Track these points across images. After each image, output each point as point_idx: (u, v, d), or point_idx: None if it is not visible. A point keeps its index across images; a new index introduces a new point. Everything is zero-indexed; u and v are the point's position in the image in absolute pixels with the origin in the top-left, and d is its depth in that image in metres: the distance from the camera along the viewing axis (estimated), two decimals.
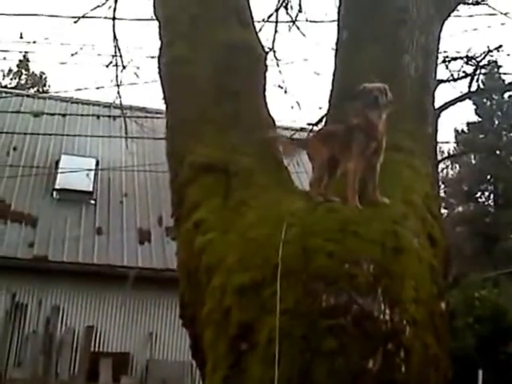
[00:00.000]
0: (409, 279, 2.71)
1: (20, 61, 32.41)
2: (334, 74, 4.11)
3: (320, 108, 5.44)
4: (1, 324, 12.14)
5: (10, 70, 36.33)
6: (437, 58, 4.27)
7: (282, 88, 8.50)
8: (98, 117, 15.39)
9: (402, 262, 2.73)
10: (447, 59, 7.58)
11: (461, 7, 5.94)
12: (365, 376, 2.35)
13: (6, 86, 33.77)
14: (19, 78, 37.00)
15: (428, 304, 2.77)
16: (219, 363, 2.57)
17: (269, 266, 2.65)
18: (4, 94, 18.70)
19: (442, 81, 7.09)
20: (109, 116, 13.09)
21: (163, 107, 4.01)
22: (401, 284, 2.67)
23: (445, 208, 32.99)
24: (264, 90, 3.86)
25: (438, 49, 4.27)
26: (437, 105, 4.34)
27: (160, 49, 4.06)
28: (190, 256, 3.18)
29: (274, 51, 8.02)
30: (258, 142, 3.47)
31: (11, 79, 36.73)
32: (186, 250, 3.26)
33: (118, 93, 9.27)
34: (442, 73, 7.73)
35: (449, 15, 4.50)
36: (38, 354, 11.82)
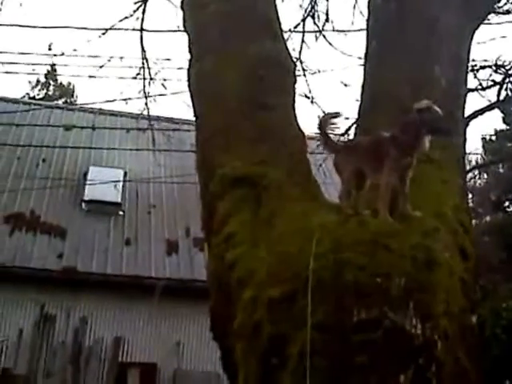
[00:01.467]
0: (440, 293, 2.71)
1: (48, 71, 32.84)
2: (363, 85, 4.11)
3: (347, 118, 5.42)
4: (30, 335, 12.28)
5: (38, 81, 36.82)
6: (467, 67, 4.25)
7: (308, 98, 8.50)
8: (128, 130, 15.56)
9: (433, 276, 2.72)
10: (476, 68, 7.54)
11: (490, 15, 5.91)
12: None
13: (34, 98, 34.23)
14: (47, 89, 37.46)
15: (459, 318, 2.77)
16: (250, 377, 2.58)
17: (300, 279, 2.66)
18: (33, 106, 18.94)
19: (470, 90, 7.05)
20: (138, 129, 13.20)
21: (191, 117, 4.04)
22: (432, 298, 2.67)
23: (473, 218, 32.65)
24: (294, 102, 3.88)
25: (468, 58, 4.25)
26: (465, 114, 4.32)
27: (190, 62, 4.10)
28: (220, 269, 3.20)
29: (301, 61, 8.04)
30: (288, 155, 3.48)
31: (39, 90, 37.22)
32: (217, 264, 3.29)
33: (146, 104, 9.38)
34: (470, 81, 7.68)
35: (479, 25, 4.48)
36: (67, 364, 11.92)
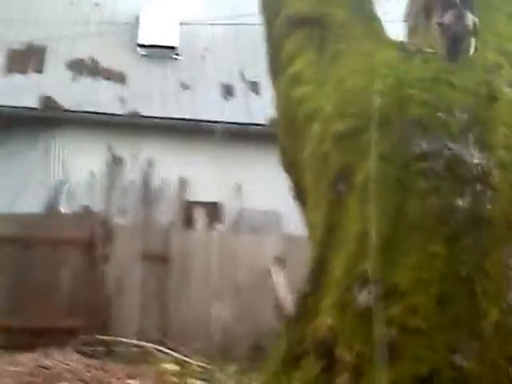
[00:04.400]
0: (500, 126, 2.85)
1: None
2: None
3: None
4: (103, 175, 12.90)
5: None
6: None
7: None
8: None
9: (493, 110, 2.85)
10: None
11: None
12: (455, 212, 2.57)
13: None
14: None
15: None
16: (321, 201, 2.84)
17: (365, 114, 2.83)
18: None
19: None
20: None
21: None
22: (491, 131, 2.81)
23: None
24: None
25: None
26: None
27: None
28: (288, 107, 3.39)
29: None
30: None
31: None
32: (284, 102, 3.47)
33: None
34: None
35: None
36: (138, 202, 12.61)
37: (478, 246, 2.59)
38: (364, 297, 2.51)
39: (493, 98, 2.86)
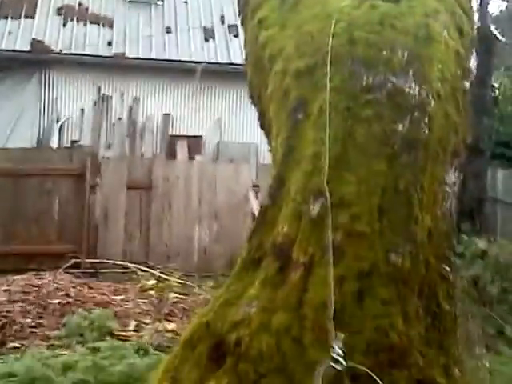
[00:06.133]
0: (436, 63, 3.06)
1: None
2: None
3: None
4: (91, 112, 12.95)
5: None
6: None
7: None
8: None
9: (431, 49, 3.05)
10: None
11: None
12: (395, 136, 2.81)
13: None
14: None
15: (452, 82, 3.13)
16: (281, 128, 3.05)
17: (320, 53, 3.02)
18: None
19: None
20: None
21: None
22: (429, 66, 3.03)
23: None
24: None
25: None
26: None
27: None
28: (255, 48, 3.56)
29: None
30: None
31: None
32: (252, 44, 3.64)
33: None
34: None
35: None
36: (124, 137, 12.72)
37: (415, 164, 2.83)
38: (316, 208, 2.76)
39: (430, 38, 3.06)
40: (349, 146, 2.83)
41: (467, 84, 3.44)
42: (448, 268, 2.86)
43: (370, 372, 2.34)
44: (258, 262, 2.86)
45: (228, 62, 13.74)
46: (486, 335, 4.80)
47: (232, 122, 13.46)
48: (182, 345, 3.05)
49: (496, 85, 11.34)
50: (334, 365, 2.36)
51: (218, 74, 13.57)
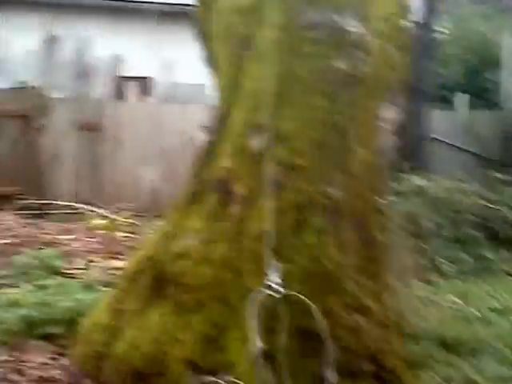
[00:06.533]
0: (377, 1, 3.07)
1: None
2: None
3: None
4: (39, 52, 12.56)
5: None
6: None
7: None
8: None
9: None
10: None
11: None
12: (334, 72, 2.81)
13: None
14: None
15: (392, 20, 3.14)
16: (226, 65, 3.02)
17: None
18: None
19: None
20: None
21: None
22: (370, 5, 3.02)
23: None
24: None
25: None
26: None
27: None
28: None
29: None
30: None
31: None
32: None
33: None
34: None
35: None
36: (73, 78, 12.40)
37: (352, 100, 2.86)
38: (257, 142, 2.77)
39: None
40: (290, 82, 2.83)
41: (407, 23, 3.46)
42: (382, 201, 2.93)
43: (304, 299, 2.41)
44: (199, 195, 2.87)
45: (179, 2, 13.42)
46: (420, 267, 4.97)
47: (183, 63, 13.25)
48: (125, 278, 3.08)
49: (441, 29, 11.38)
50: (270, 292, 2.41)
51: (170, 14, 13.25)
